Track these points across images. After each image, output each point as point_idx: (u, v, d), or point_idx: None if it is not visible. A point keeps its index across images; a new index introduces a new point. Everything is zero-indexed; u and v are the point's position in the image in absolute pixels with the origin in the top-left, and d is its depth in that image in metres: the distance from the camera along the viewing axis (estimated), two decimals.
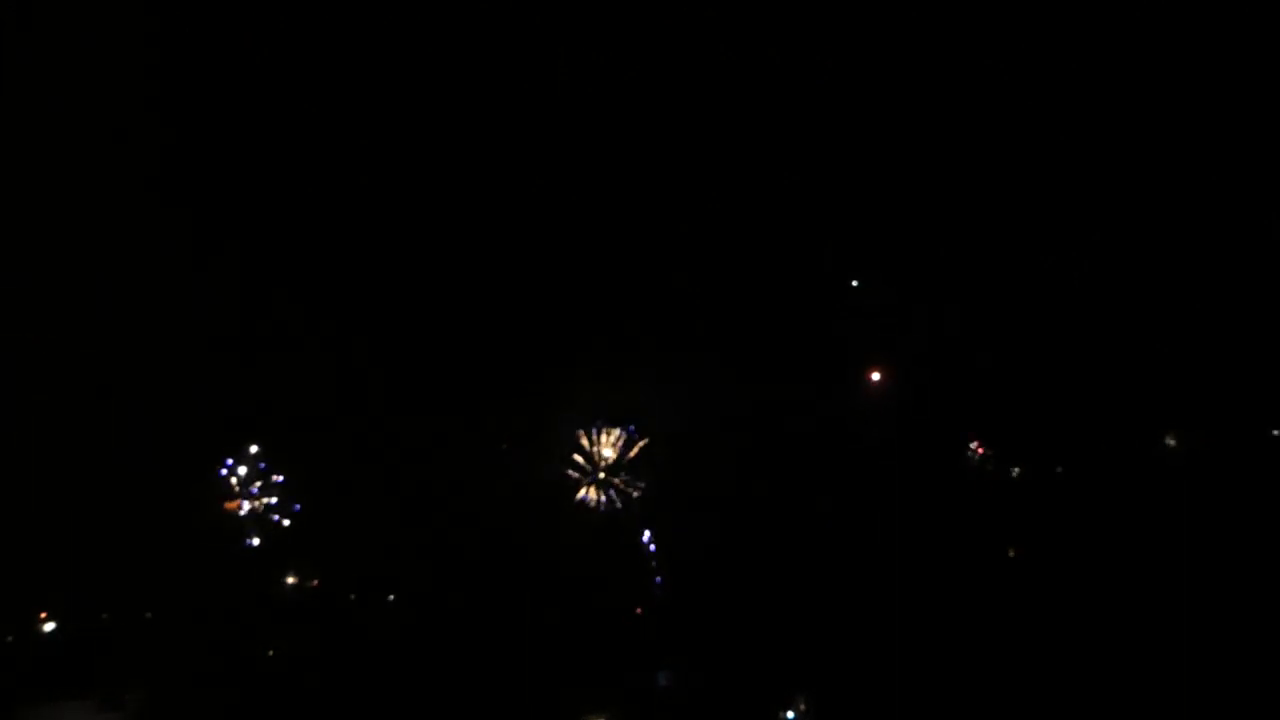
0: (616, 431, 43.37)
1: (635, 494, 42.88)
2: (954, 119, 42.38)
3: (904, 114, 42.55)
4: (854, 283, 43.43)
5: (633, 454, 43.16)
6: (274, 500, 42.17)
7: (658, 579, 41.11)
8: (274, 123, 41.58)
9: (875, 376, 42.87)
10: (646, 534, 42.13)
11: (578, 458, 43.28)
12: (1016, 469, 41.77)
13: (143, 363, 39.90)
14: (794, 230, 43.38)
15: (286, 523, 42.08)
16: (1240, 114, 39.68)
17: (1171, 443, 39.63)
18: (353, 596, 41.62)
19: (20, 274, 38.09)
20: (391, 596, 40.87)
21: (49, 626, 38.40)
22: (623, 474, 43.07)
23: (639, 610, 40.39)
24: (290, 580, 41.54)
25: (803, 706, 35.82)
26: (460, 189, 42.89)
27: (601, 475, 43.11)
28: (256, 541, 41.84)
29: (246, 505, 41.90)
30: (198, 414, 40.79)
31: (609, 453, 43.30)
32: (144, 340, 40.02)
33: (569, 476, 43.12)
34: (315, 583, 41.78)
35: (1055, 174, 41.87)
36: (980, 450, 41.58)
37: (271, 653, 38.22)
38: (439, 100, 42.21)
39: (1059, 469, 41.29)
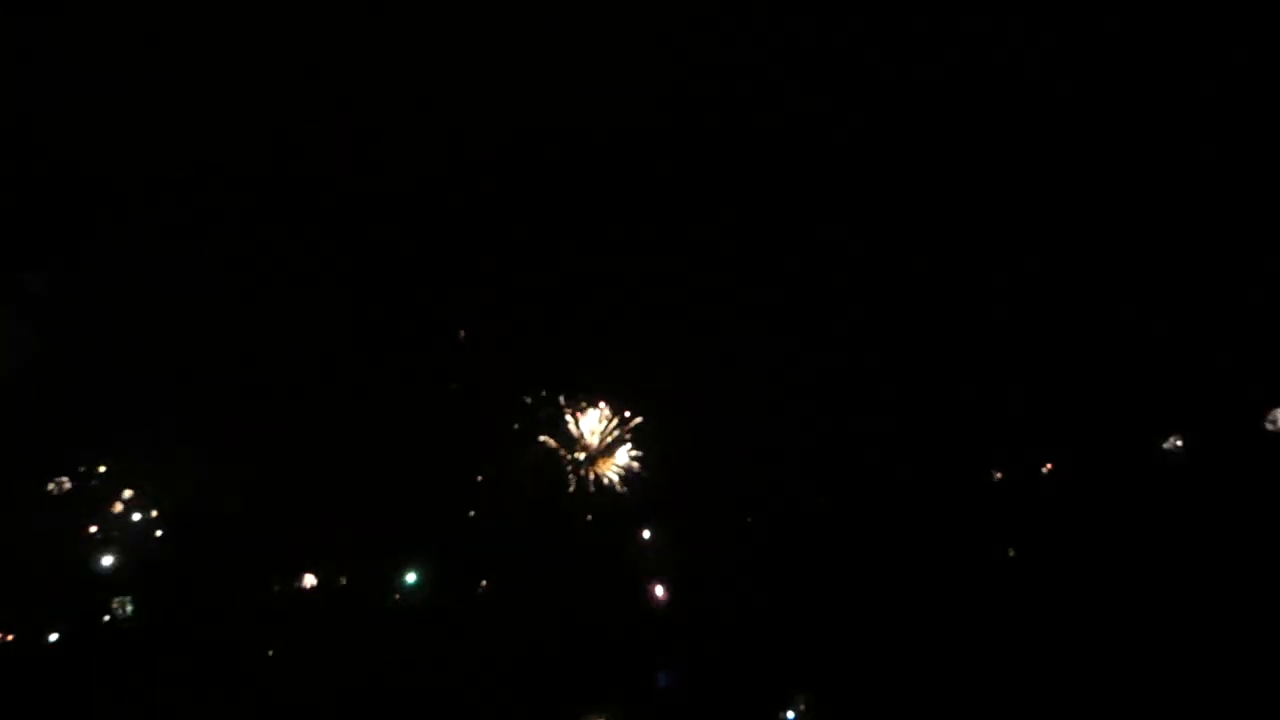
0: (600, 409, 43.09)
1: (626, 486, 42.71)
2: (951, 120, 42.38)
3: (901, 114, 42.56)
4: None
5: (621, 435, 42.86)
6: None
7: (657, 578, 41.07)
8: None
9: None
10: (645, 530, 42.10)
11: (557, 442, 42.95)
12: (1016, 469, 41.73)
13: None
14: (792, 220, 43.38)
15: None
16: (1240, 114, 39.69)
17: (1172, 444, 39.69)
18: (349, 595, 41.36)
19: None
20: (388, 596, 40.73)
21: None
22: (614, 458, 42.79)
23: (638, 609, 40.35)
24: (285, 579, 41.27)
25: (803, 706, 35.83)
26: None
27: (585, 457, 42.85)
28: None
29: None
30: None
31: (593, 433, 43.01)
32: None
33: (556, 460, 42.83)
34: (310, 581, 41.49)
35: (1053, 174, 41.86)
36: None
37: (271, 653, 38.12)
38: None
39: (1057, 469, 41.27)
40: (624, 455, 42.83)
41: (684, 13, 41.27)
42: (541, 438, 42.79)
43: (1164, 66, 40.07)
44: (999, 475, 40.97)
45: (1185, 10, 39.43)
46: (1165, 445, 39.51)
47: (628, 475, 42.75)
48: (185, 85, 39.62)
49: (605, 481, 42.66)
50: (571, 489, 42.56)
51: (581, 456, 42.77)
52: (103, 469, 41.15)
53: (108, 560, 40.05)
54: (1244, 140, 39.46)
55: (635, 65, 41.61)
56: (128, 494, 41.18)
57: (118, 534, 40.71)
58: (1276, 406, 38.02)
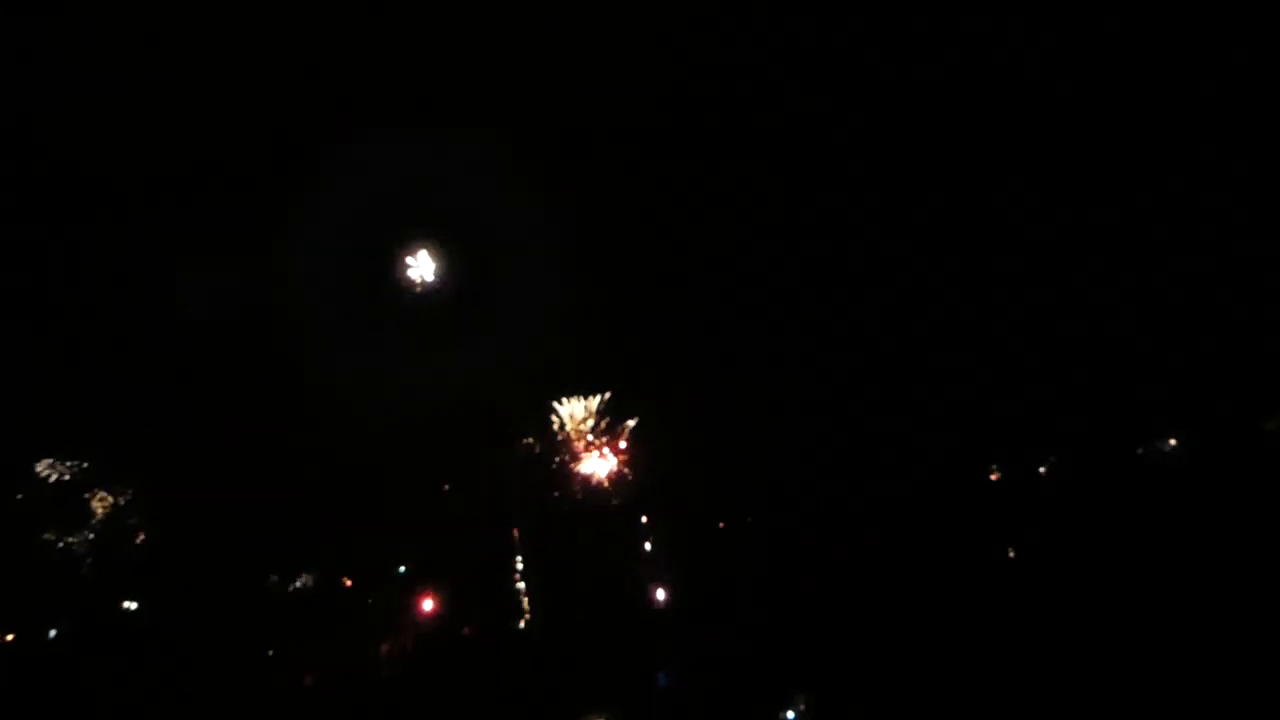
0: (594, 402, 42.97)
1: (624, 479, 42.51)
2: (949, 121, 42.37)
3: (899, 116, 42.55)
4: None
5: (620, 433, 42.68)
6: None
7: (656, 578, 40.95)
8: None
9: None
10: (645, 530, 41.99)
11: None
12: (1013, 470, 41.69)
13: None
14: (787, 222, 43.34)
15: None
16: (1240, 114, 39.69)
17: (1172, 444, 39.71)
18: (347, 594, 41.28)
19: None
20: (389, 594, 40.64)
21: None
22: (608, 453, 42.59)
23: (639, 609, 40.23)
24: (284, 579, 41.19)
25: (803, 706, 35.74)
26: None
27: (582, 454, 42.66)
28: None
29: None
30: None
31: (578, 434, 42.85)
32: None
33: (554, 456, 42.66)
34: (310, 581, 41.43)
35: (1054, 175, 41.85)
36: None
37: (271, 653, 38.03)
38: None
39: (1055, 470, 41.25)
40: (612, 456, 42.73)
41: (684, 13, 41.35)
42: (528, 440, 42.71)
43: (1163, 67, 40.11)
44: (999, 475, 41.03)
45: (1185, 10, 39.48)
46: (1166, 446, 39.59)
47: (619, 475, 42.65)
48: (184, 86, 39.70)
49: (594, 482, 42.56)
50: (558, 492, 42.42)
51: (569, 457, 42.69)
52: (94, 468, 40.95)
53: (106, 560, 40.03)
54: (1244, 140, 39.49)
55: (635, 65, 41.69)
56: (122, 494, 41.11)
57: (112, 533, 40.62)
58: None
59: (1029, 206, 41.74)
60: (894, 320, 42.81)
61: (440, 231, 43.40)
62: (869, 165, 43.01)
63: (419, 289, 43.19)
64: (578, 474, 42.58)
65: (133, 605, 39.85)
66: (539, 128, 42.83)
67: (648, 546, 41.62)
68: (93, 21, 37.67)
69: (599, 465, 42.60)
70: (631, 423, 42.83)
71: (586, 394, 43.02)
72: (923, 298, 42.76)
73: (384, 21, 40.42)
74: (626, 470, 42.58)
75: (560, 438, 42.72)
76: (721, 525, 42.00)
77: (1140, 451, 40.18)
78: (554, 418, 42.83)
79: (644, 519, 42.10)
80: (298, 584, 40.81)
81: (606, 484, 42.45)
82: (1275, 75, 38.79)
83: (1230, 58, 39.14)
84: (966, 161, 42.32)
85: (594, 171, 43.27)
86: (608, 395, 42.76)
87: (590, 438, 42.62)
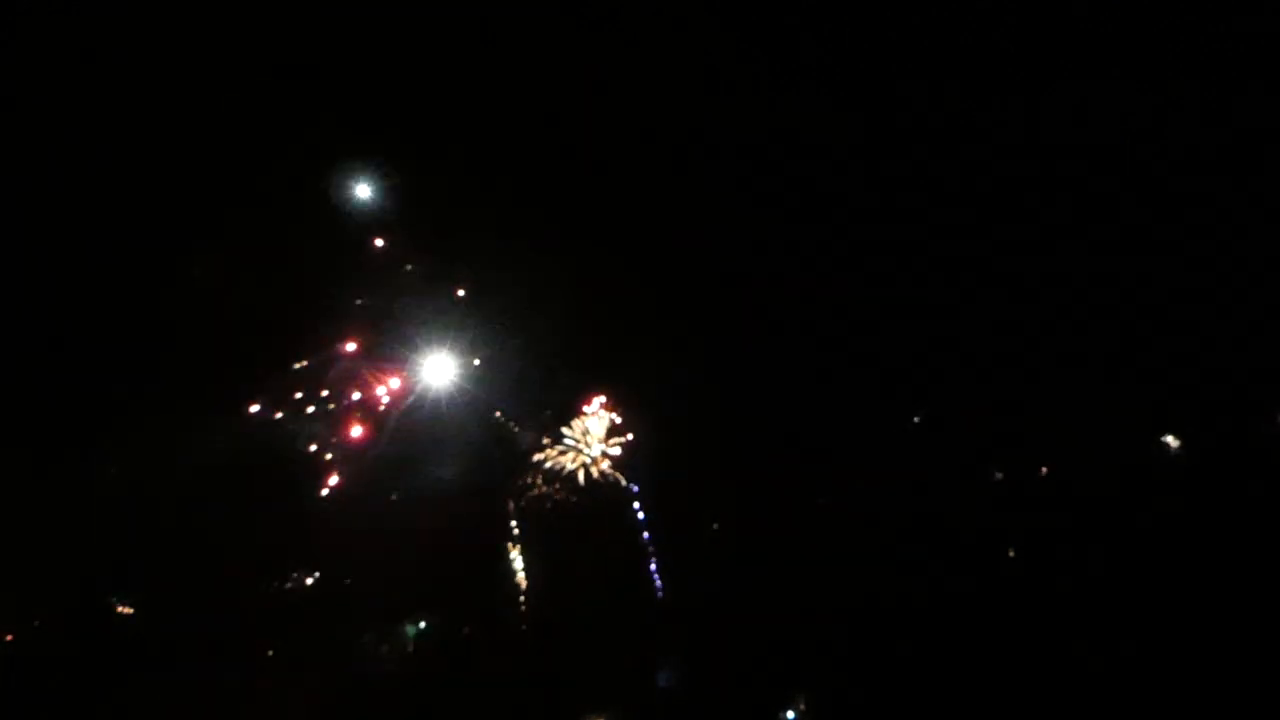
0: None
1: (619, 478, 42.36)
2: (947, 121, 42.35)
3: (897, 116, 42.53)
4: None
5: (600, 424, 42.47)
6: None
7: (656, 577, 40.91)
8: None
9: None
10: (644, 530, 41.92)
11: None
12: (1012, 470, 41.69)
13: None
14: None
15: None
16: (1239, 114, 39.70)
17: (1172, 443, 39.73)
18: (345, 594, 41.18)
19: None
20: (386, 595, 40.53)
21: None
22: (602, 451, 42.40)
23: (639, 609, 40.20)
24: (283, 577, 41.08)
25: (803, 706, 35.81)
26: None
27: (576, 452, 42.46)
28: None
29: None
30: None
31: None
32: None
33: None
34: (308, 580, 41.34)
35: (1054, 172, 41.84)
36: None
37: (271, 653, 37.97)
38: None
39: (1057, 469, 41.26)
40: (615, 451, 42.57)
41: (680, 13, 41.31)
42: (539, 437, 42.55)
43: (1161, 66, 40.11)
44: (999, 475, 41.03)
45: (1184, 10, 39.49)
46: (1170, 446, 39.60)
47: (621, 473, 42.53)
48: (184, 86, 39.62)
49: (598, 479, 42.41)
50: (555, 489, 42.28)
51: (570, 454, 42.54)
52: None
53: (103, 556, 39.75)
54: (1244, 140, 39.50)
55: (634, 65, 41.66)
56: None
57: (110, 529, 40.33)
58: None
59: (1031, 206, 41.73)
60: (894, 320, 42.78)
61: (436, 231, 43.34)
62: (868, 165, 42.97)
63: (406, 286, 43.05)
64: (573, 470, 42.46)
65: (127, 605, 39.71)
66: (538, 128, 42.75)
67: (649, 547, 41.64)
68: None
69: (593, 460, 42.48)
70: (600, 398, 42.17)
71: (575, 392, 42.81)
72: (923, 297, 42.73)
73: (381, 20, 40.36)
74: (621, 465, 42.45)
75: (546, 438, 42.59)
76: (717, 526, 41.89)
77: (1142, 452, 40.23)
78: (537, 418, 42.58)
79: (641, 516, 42.08)
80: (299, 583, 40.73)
81: (603, 479, 42.33)
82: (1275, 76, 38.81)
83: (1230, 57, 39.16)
84: (965, 159, 42.30)
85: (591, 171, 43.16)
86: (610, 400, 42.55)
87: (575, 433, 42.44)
